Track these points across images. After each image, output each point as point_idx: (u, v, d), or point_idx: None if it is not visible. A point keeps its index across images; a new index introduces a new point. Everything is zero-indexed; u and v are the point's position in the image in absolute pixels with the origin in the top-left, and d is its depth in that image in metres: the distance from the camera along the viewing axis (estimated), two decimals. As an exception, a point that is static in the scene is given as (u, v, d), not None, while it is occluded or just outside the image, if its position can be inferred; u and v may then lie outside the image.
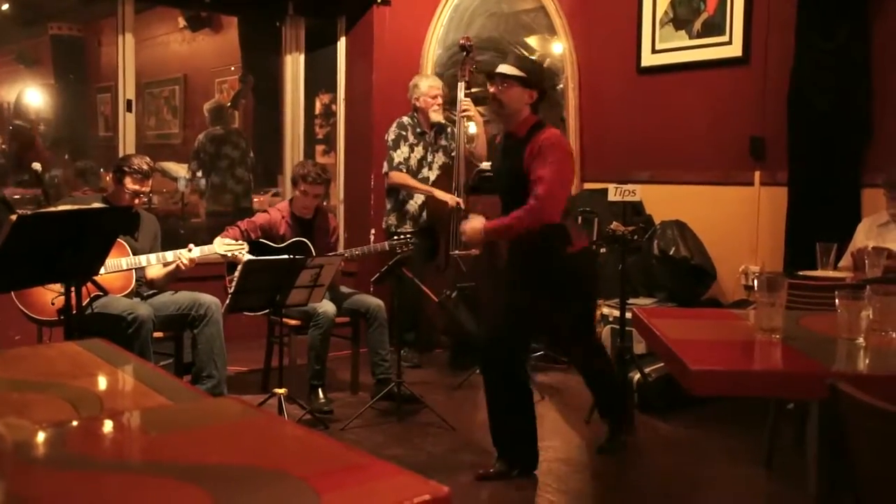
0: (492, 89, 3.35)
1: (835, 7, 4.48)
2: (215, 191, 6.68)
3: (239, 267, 3.73)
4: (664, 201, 5.31)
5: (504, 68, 3.32)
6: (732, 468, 3.58)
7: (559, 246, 3.37)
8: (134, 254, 4.02)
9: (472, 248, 3.52)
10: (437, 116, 5.16)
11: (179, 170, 7.09)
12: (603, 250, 5.42)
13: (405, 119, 5.19)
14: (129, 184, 4.01)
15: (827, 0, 4.50)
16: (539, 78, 3.39)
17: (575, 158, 5.91)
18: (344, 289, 4.58)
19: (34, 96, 8.96)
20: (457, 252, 5.07)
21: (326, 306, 4.20)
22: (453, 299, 5.06)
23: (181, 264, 4.04)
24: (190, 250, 4.06)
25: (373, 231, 5.91)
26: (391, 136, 5.15)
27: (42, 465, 1.29)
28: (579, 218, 5.59)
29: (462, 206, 4.97)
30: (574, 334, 3.67)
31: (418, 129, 5.17)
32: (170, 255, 4.06)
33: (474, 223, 3.43)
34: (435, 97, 5.15)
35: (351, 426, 3.99)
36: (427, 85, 5.18)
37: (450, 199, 4.95)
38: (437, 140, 5.24)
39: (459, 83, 5.11)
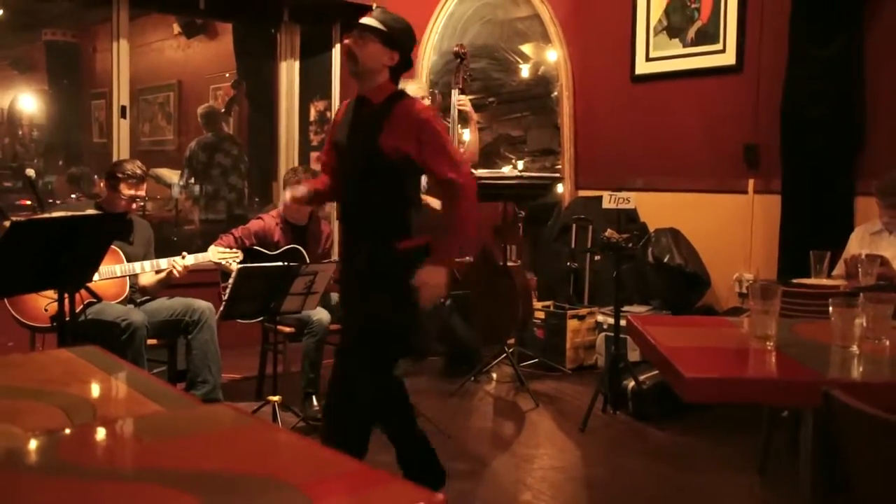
0: (347, 41, 2.93)
1: (828, 16, 4.50)
2: (209, 198, 6.68)
3: (233, 274, 3.73)
4: (658, 209, 5.32)
5: (366, 20, 2.90)
6: (726, 475, 3.58)
7: (390, 234, 2.89)
8: (128, 260, 4.02)
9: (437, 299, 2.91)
10: None
11: (173, 176, 7.08)
12: (598, 257, 5.45)
13: None
14: (125, 189, 4.00)
15: (820, 9, 4.53)
16: (404, 39, 2.92)
17: (569, 166, 5.95)
18: (337, 295, 4.58)
19: (28, 102, 8.95)
20: (451, 259, 5.07)
21: (321, 314, 4.19)
22: (447, 307, 5.06)
23: (175, 272, 4.03)
24: (183, 258, 4.06)
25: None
26: None
27: (34, 472, 1.28)
28: (573, 227, 5.63)
29: None
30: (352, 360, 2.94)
31: None
32: (164, 263, 4.06)
33: (434, 274, 2.84)
34: (422, 100, 5.14)
35: (345, 433, 3.98)
36: (414, 88, 5.16)
37: (440, 205, 4.93)
38: None
39: (453, 90, 5.12)
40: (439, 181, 2.89)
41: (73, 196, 6.37)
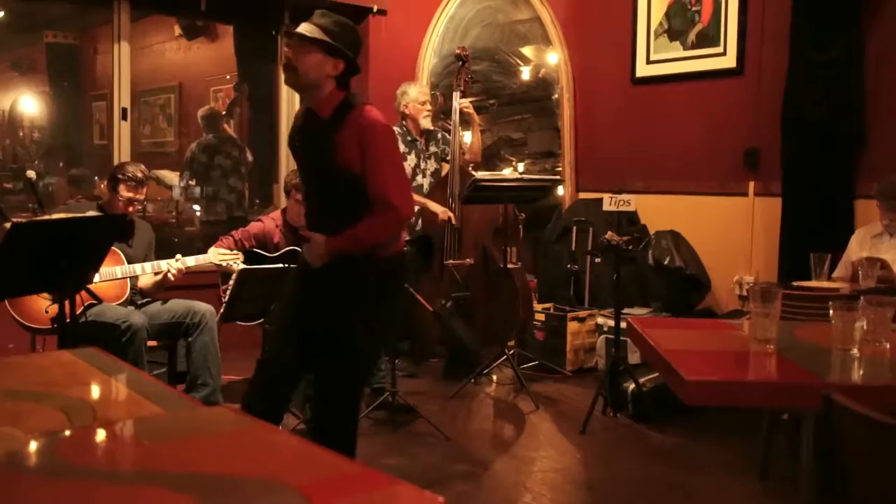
0: (286, 51, 2.75)
1: (828, 19, 4.51)
2: (209, 200, 6.68)
3: (234, 276, 3.73)
4: (659, 211, 5.32)
5: (303, 28, 2.67)
6: (726, 478, 3.58)
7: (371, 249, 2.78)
8: (128, 262, 4.02)
9: (316, 265, 2.77)
10: (427, 123, 5.17)
11: (174, 178, 7.09)
12: (598, 260, 5.45)
13: (395, 128, 5.20)
14: (123, 191, 4.01)
15: (820, 12, 4.53)
16: (348, 44, 2.71)
17: (570, 168, 5.95)
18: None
19: (29, 104, 8.95)
20: (452, 261, 5.08)
21: (321, 315, 4.19)
22: (448, 309, 5.06)
23: (169, 275, 4.03)
24: (177, 260, 4.05)
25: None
26: None
27: (35, 474, 1.28)
28: (573, 229, 5.63)
29: (454, 219, 4.97)
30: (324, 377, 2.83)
31: (409, 138, 5.17)
32: (163, 265, 4.06)
33: (316, 245, 2.76)
34: (424, 103, 5.16)
35: (345, 435, 3.98)
36: (416, 91, 5.20)
37: (441, 211, 4.95)
38: (428, 147, 5.25)
39: (455, 92, 5.13)
40: (374, 198, 2.69)
41: (71, 200, 6.37)
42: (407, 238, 5.08)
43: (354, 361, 2.80)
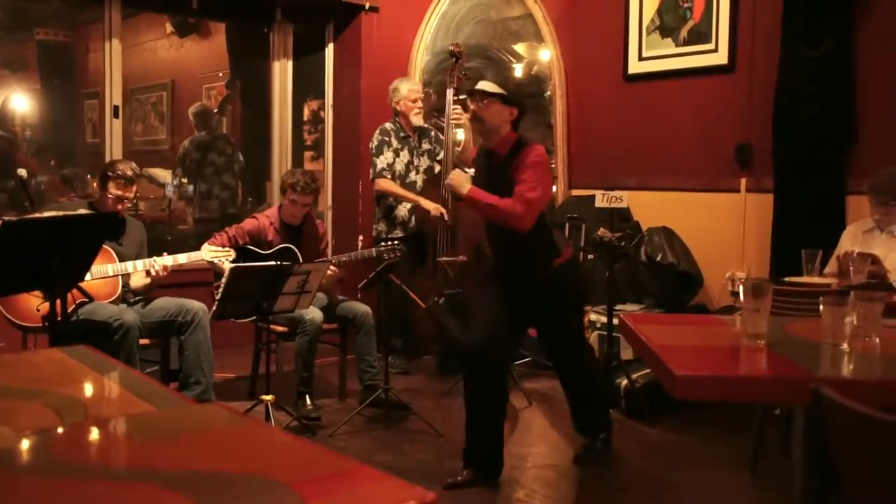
0: (472, 106, 3.37)
1: (819, 15, 4.52)
2: (202, 197, 6.67)
3: (226, 273, 3.73)
4: (651, 208, 5.33)
5: (485, 85, 3.34)
6: (718, 473, 3.60)
7: (546, 258, 3.43)
8: (120, 260, 4.01)
9: (461, 193, 3.40)
10: (418, 120, 5.18)
11: (166, 176, 7.07)
12: (591, 256, 5.45)
13: (388, 125, 5.21)
14: (113, 189, 3.99)
15: (812, 8, 4.55)
16: (518, 95, 3.42)
17: (562, 165, 5.95)
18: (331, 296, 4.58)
19: (20, 102, 8.91)
20: (444, 258, 5.08)
21: (314, 313, 4.19)
22: (441, 306, 5.05)
23: (153, 271, 4.00)
24: (161, 256, 4.03)
25: (361, 237, 5.91)
26: (374, 142, 5.17)
27: (26, 472, 1.28)
28: (566, 226, 5.64)
29: (446, 216, 4.96)
30: (564, 345, 3.67)
31: (402, 134, 5.18)
32: (143, 263, 4.03)
33: (462, 179, 3.38)
34: (415, 101, 5.16)
35: (338, 433, 3.98)
36: (407, 88, 5.20)
37: (434, 208, 4.95)
38: (421, 144, 5.25)
39: (448, 89, 5.12)
40: (515, 193, 3.26)
41: (63, 198, 6.35)
42: (400, 234, 5.10)
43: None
